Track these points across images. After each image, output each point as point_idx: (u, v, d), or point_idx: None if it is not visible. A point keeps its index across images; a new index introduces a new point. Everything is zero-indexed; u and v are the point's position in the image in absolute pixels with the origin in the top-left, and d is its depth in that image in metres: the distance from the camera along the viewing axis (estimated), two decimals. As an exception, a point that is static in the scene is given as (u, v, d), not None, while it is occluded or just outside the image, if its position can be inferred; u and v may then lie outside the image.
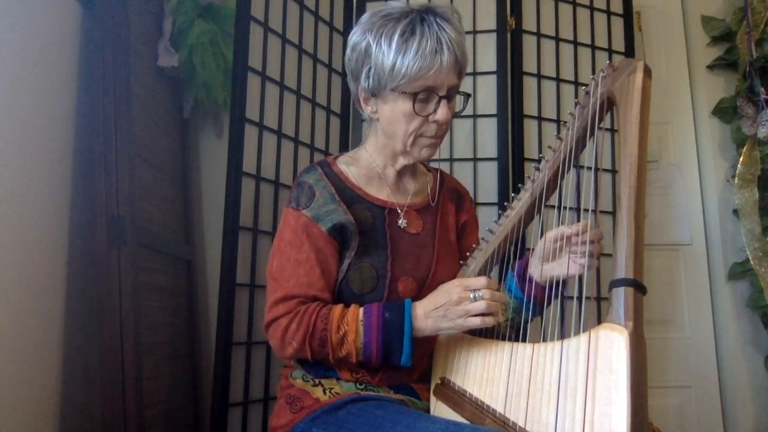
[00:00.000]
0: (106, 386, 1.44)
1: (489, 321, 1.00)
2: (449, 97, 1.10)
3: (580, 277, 1.03)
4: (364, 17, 1.13)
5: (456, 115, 1.15)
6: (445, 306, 1.01)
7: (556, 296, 1.08)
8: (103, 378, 1.45)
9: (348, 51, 1.15)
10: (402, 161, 1.18)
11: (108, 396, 1.44)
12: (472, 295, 0.99)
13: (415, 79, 1.06)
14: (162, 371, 1.72)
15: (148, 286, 1.68)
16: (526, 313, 1.13)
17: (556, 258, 1.09)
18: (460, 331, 1.05)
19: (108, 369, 1.45)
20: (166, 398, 1.74)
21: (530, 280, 1.14)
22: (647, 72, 0.91)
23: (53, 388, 1.43)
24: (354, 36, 1.13)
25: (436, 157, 1.20)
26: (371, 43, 1.08)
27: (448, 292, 1.02)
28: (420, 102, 1.08)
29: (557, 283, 1.08)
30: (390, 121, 1.12)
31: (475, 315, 0.99)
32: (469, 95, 1.17)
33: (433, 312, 1.03)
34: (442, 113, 1.09)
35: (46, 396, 1.40)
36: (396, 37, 1.05)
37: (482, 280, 1.01)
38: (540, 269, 1.12)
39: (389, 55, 1.05)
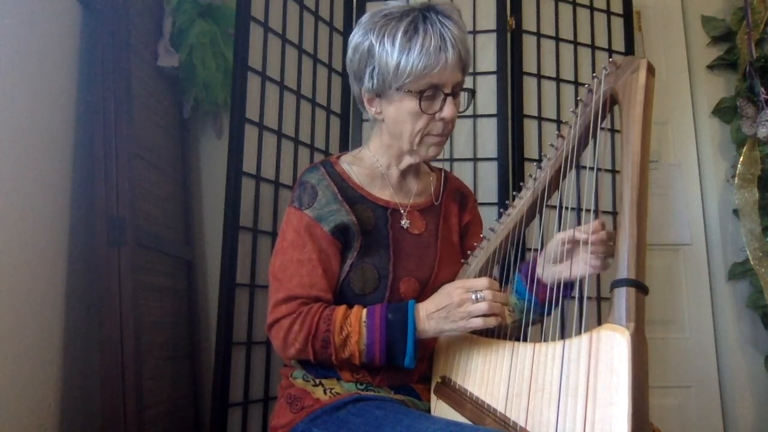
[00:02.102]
0: (106, 386, 1.44)
1: (491, 322, 0.99)
2: (454, 94, 1.10)
3: (581, 277, 1.02)
4: (365, 18, 1.12)
5: (460, 112, 1.15)
6: (447, 308, 1.01)
7: (566, 298, 1.07)
8: (103, 378, 1.45)
9: (350, 52, 1.14)
10: (408, 160, 1.18)
11: (108, 396, 1.44)
12: (473, 296, 0.99)
13: (420, 77, 1.05)
14: (162, 371, 1.72)
15: (148, 286, 1.68)
16: (534, 315, 1.12)
17: (566, 259, 1.07)
18: (463, 333, 1.05)
19: (108, 369, 1.45)
20: (166, 398, 1.73)
21: (539, 281, 1.12)
22: (650, 70, 0.91)
23: (53, 388, 1.43)
24: (355, 37, 1.12)
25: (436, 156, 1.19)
26: (374, 43, 1.07)
27: (450, 293, 1.01)
28: (426, 100, 1.08)
29: (568, 284, 1.07)
30: (396, 121, 1.12)
31: (477, 316, 0.99)
32: (473, 92, 1.17)
33: (435, 314, 1.02)
34: (448, 110, 1.08)
35: (46, 396, 1.40)
36: (399, 35, 1.05)
37: (484, 281, 1.00)
38: (549, 271, 1.10)
39: (393, 54, 1.05)
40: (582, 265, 1.03)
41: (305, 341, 1.04)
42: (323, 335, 1.04)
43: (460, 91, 1.12)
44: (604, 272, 1.03)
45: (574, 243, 1.04)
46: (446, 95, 1.08)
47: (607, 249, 1.01)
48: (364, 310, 1.05)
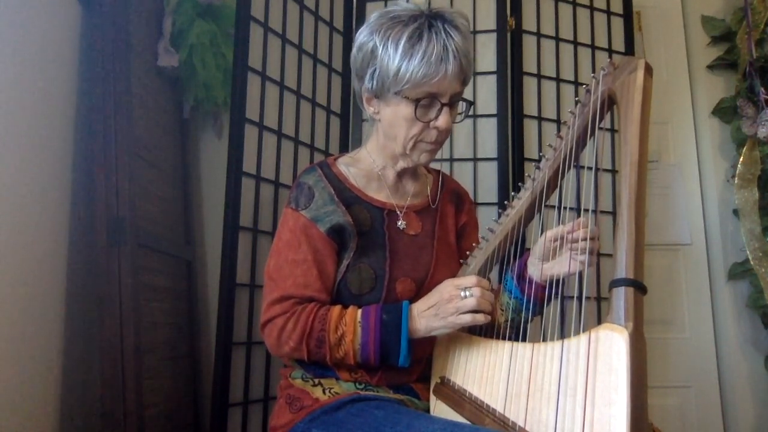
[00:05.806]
0: (106, 386, 1.44)
1: (480, 318, 1.00)
2: (451, 104, 1.10)
3: (581, 277, 1.03)
4: (373, 16, 1.12)
5: (457, 122, 1.15)
6: (437, 305, 1.03)
7: (556, 295, 1.08)
8: (103, 378, 1.45)
9: (354, 50, 1.14)
10: (401, 164, 1.18)
11: (108, 396, 1.44)
12: (462, 293, 1.01)
13: (418, 86, 1.05)
14: (162, 371, 1.72)
15: (148, 286, 1.68)
16: (526, 313, 1.13)
17: (554, 257, 1.09)
18: (453, 330, 1.05)
19: (108, 369, 1.45)
20: (166, 398, 1.74)
21: (530, 280, 1.14)
22: (648, 70, 0.91)
23: (53, 388, 1.43)
24: (361, 35, 1.12)
25: (436, 156, 1.19)
26: (378, 44, 1.07)
27: (440, 291, 1.04)
28: (422, 108, 1.08)
29: (557, 282, 1.08)
30: (391, 124, 1.12)
31: (466, 312, 1.00)
32: (471, 103, 1.17)
33: (426, 312, 1.04)
34: (443, 120, 1.09)
35: (46, 395, 1.40)
36: (403, 41, 1.05)
37: (472, 279, 1.02)
38: (539, 269, 1.12)
39: (395, 58, 1.05)
40: (570, 262, 1.05)
41: (299, 340, 1.05)
42: (318, 334, 1.04)
43: (458, 101, 1.12)
44: (604, 272, 1.03)
45: (562, 240, 1.06)
46: (443, 105, 1.08)
47: (592, 245, 1.02)
48: (359, 311, 1.06)
